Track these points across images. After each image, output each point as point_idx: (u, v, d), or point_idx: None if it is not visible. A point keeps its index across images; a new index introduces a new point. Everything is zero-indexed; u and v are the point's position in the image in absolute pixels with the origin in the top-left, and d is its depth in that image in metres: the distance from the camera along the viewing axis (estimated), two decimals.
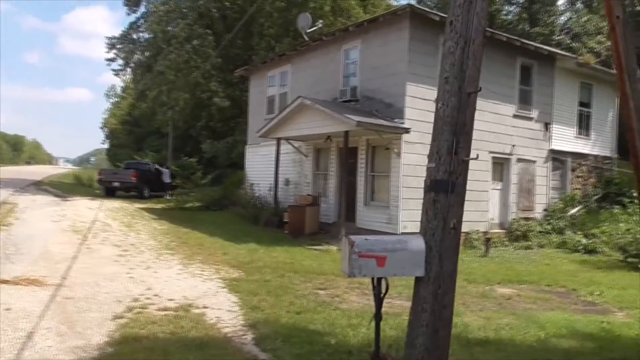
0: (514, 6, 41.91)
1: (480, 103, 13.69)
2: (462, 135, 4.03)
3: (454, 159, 3.95)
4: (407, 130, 12.84)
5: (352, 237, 3.82)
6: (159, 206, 21.12)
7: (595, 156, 18.13)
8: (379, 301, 4.00)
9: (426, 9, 13.93)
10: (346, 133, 12.93)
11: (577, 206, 16.09)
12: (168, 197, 24.29)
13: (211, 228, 14.56)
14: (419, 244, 3.89)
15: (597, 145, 18.29)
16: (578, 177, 17.38)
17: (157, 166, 25.94)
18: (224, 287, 7.75)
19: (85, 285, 7.48)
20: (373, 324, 4.14)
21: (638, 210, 12.48)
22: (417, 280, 4.01)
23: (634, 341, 6.31)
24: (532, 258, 12.95)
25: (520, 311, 7.57)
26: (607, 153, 18.70)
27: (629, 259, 12.19)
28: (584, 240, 13.91)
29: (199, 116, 30.54)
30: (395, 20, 13.34)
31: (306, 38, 17.46)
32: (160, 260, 9.80)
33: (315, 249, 12.03)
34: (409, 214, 13.02)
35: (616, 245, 13.65)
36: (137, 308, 6.38)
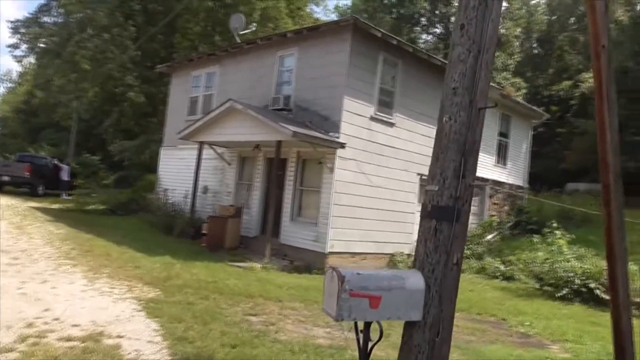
0: (431, 36, 43.66)
1: (413, 124, 13.58)
2: (471, 156, 3.44)
3: (461, 183, 3.35)
4: (342, 145, 12.32)
5: (342, 271, 3.09)
6: (55, 206, 18.98)
7: (510, 185, 18.78)
8: (366, 352, 3.27)
9: (369, 23, 13.55)
10: (279, 143, 12.16)
11: (493, 232, 16.44)
12: (65, 197, 22.01)
13: (118, 236, 13.08)
14: (417, 281, 3.24)
15: (512, 174, 18.97)
16: (494, 204, 17.86)
17: (56, 162, 23.46)
18: (140, 310, 6.63)
19: None
20: None
21: (557, 240, 12.79)
22: (410, 325, 3.35)
23: None
24: None
25: (463, 344, 7.18)
26: (519, 182, 19.47)
27: (544, 287, 12.51)
28: (502, 267, 14.13)
29: (108, 111, 28.29)
30: (338, 32, 12.85)
31: (238, 40, 16.55)
32: (59, 272, 8.39)
33: (238, 266, 11.07)
34: (338, 232, 12.48)
35: (531, 272, 14.02)
36: (33, 337, 5.15)
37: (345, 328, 7.03)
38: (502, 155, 18.26)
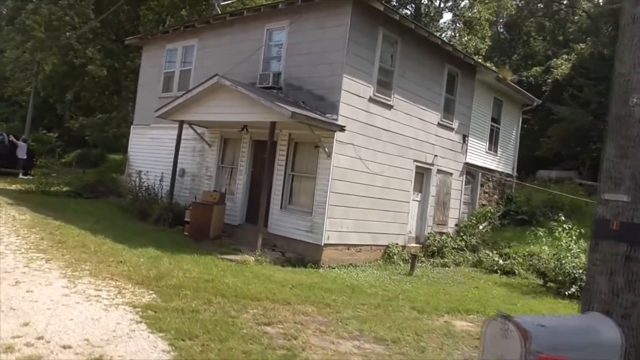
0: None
1: (410, 107, 12.70)
2: None
3: None
4: (342, 128, 11.36)
5: (521, 322, 2.15)
6: (13, 187, 17.30)
7: (500, 172, 18.29)
8: None
9: None
10: (273, 125, 11.08)
11: (484, 222, 15.90)
12: (23, 177, 20.21)
13: (90, 222, 11.79)
14: (613, 334, 2.34)
15: (502, 162, 18.48)
16: (485, 192, 17.33)
17: (12, 138, 21.51)
18: (139, 321, 5.56)
19: None
20: None
21: (562, 235, 12.24)
22: None
23: None
24: (456, 279, 12.22)
25: None
26: (509, 171, 19.02)
27: (549, 284, 12.03)
28: (500, 261, 13.58)
29: (67, 86, 26.21)
30: (335, 4, 11.77)
31: (219, 10, 15.22)
32: (32, 269, 7.17)
33: (229, 260, 10.03)
34: (334, 222, 11.58)
35: (531, 267, 13.55)
36: None
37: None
38: (493, 141, 17.70)
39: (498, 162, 18.12)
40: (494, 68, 20.34)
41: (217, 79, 11.81)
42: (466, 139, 15.95)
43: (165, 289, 7.09)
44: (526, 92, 17.72)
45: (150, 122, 16.67)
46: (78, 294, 6.30)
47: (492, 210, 15.93)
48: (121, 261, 8.29)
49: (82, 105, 27.66)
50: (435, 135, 14.63)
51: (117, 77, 25.79)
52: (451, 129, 15.25)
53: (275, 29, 13.29)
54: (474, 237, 15.11)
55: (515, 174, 19.25)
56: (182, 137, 14.59)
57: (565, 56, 31.75)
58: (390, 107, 12.87)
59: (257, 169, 13.34)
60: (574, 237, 12.02)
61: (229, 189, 13.67)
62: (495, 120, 17.69)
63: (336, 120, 11.35)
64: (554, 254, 12.01)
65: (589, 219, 18.00)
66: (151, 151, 16.37)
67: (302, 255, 11.59)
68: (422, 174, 14.39)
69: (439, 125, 14.68)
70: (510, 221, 17.30)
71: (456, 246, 14.53)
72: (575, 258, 11.72)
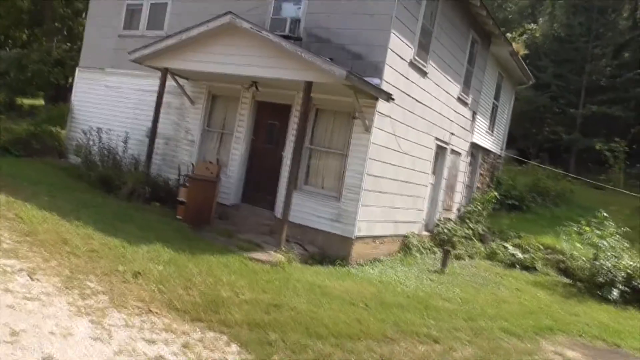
0: None
1: (440, 77, 10.75)
2: None
3: None
4: (390, 97, 9.21)
5: None
6: None
7: (494, 154, 17.08)
8: None
9: None
10: (309, 86, 8.64)
11: (489, 207, 14.60)
12: None
13: (44, 194, 8.83)
14: None
15: (496, 142, 17.25)
16: (481, 174, 16.02)
17: None
18: None
19: None
20: None
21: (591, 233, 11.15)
22: None
23: None
24: (486, 277, 10.80)
25: None
26: (498, 151, 17.86)
27: (578, 284, 10.96)
28: (520, 255, 12.32)
29: None
30: None
31: None
32: (18, 296, 4.46)
33: (257, 259, 7.65)
34: (366, 211, 9.53)
35: (549, 262, 12.49)
36: None
37: None
38: (492, 120, 16.33)
39: (492, 142, 16.86)
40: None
41: (230, 18, 9.05)
42: (475, 116, 14.39)
43: (238, 328, 4.74)
44: (527, 69, 16.42)
45: (105, 64, 13.33)
46: (115, 344, 3.81)
47: (496, 195, 14.61)
48: (138, 272, 5.68)
49: None
50: (455, 111, 12.88)
51: (39, 6, 21.22)
52: (466, 105, 13.57)
53: None
54: (480, 225, 13.75)
55: (504, 154, 18.15)
56: (152, 88, 11.67)
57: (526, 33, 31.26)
58: (425, 74, 10.85)
59: (260, 137, 10.83)
60: (609, 232, 11.01)
61: (220, 160, 11.03)
62: (496, 97, 16.28)
63: (379, 85, 9.15)
64: (594, 253, 10.87)
65: (579, 207, 17.56)
66: (107, 103, 13.06)
67: (323, 248, 9.46)
68: (437, 154, 12.64)
69: (458, 99, 12.93)
70: (501, 206, 16.22)
71: (465, 234, 13.08)
72: (615, 258, 10.67)
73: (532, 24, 33.59)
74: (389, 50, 9.24)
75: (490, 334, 6.68)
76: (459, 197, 14.33)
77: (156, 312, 4.71)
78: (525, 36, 30.14)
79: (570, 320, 8.38)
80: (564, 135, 25.84)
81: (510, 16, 36.71)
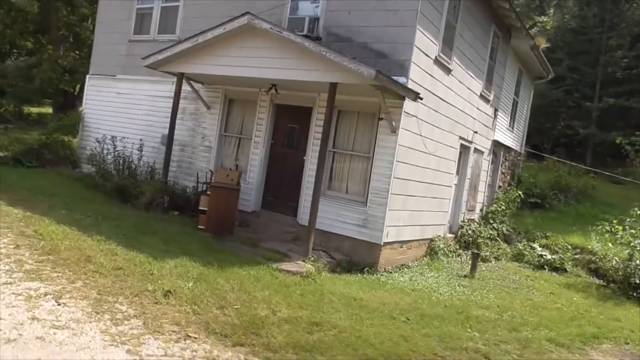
0: None
1: (463, 74, 10.29)
2: None
3: None
4: (417, 96, 8.83)
5: None
6: None
7: (515, 151, 16.65)
8: None
9: None
10: (333, 87, 8.28)
11: (513, 207, 14.17)
12: None
13: (61, 207, 8.54)
14: None
15: (515, 139, 16.81)
16: (502, 173, 15.60)
17: None
18: None
19: None
20: None
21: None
22: None
23: None
24: (516, 280, 10.37)
25: None
26: (518, 148, 17.42)
27: (611, 285, 10.55)
28: (548, 256, 11.90)
29: None
30: None
31: None
32: (47, 326, 4.13)
33: (287, 271, 7.30)
34: (393, 215, 9.15)
35: (579, 262, 12.06)
36: None
37: None
38: (512, 117, 15.89)
39: (513, 139, 16.43)
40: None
41: (249, 19, 8.69)
42: (497, 113, 13.98)
43: (283, 352, 4.38)
44: (547, 63, 15.96)
45: (116, 71, 13.02)
46: None
47: (520, 193, 14.18)
48: (168, 291, 5.33)
49: None
50: (477, 108, 12.49)
51: (45, 12, 20.93)
52: (488, 101, 13.16)
53: None
54: (504, 225, 13.33)
55: (524, 152, 17.71)
56: (166, 94, 11.41)
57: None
58: (449, 71, 10.46)
59: (279, 141, 10.48)
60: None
61: (240, 165, 10.69)
62: (516, 93, 15.85)
63: (406, 84, 8.78)
64: (628, 253, 10.45)
65: (601, 203, 17.11)
66: (119, 110, 12.75)
67: (350, 255, 9.10)
68: (461, 153, 12.24)
69: (480, 96, 12.53)
70: (523, 205, 15.78)
71: (489, 235, 12.67)
72: None
73: (542, 17, 33.12)
74: (414, 48, 8.86)
75: (538, 346, 6.29)
76: (481, 197, 13.92)
77: (195, 337, 4.36)
78: (535, 29, 29.54)
79: (614, 327, 7.96)
80: (581, 130, 25.31)
81: (517, 9, 36.18)
